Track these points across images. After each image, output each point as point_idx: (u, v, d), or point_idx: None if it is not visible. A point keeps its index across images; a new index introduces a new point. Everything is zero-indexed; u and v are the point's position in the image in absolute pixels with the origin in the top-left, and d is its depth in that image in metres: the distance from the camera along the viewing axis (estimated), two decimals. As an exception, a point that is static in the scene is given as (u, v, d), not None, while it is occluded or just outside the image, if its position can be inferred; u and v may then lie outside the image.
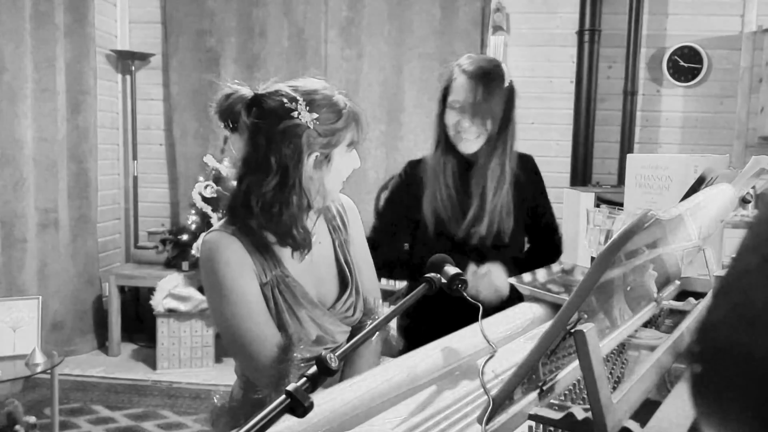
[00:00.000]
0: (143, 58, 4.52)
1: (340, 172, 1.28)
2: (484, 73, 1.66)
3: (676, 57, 4.26)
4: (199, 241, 3.89)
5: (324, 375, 0.81)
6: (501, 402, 0.81)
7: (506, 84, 1.69)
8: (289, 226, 1.23)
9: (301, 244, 1.26)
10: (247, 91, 1.25)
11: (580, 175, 4.22)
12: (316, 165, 1.23)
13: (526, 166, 1.83)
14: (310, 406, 0.77)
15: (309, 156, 1.21)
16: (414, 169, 1.81)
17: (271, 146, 1.20)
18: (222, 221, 1.28)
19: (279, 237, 1.25)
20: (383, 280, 2.09)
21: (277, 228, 1.23)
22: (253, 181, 1.22)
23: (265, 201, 1.21)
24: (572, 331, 0.79)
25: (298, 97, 1.21)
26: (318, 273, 1.33)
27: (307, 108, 1.20)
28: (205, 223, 3.98)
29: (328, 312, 1.31)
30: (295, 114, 1.20)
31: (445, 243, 1.70)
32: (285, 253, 1.28)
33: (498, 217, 1.72)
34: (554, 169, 4.14)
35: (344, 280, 1.37)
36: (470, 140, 1.69)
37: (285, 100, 1.21)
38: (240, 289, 1.20)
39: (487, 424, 0.79)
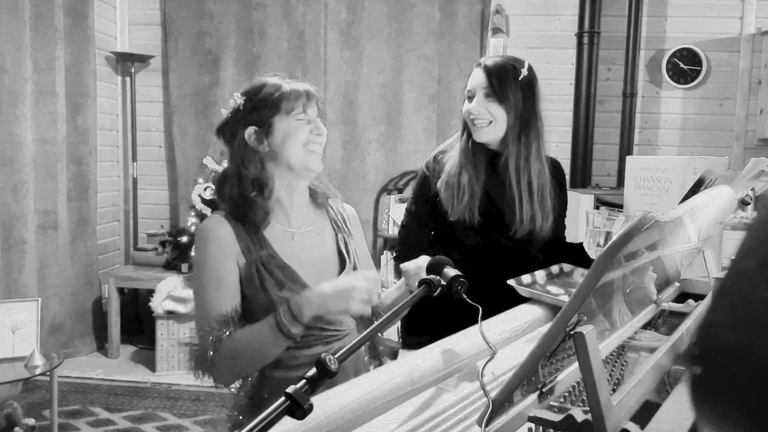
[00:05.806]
0: (143, 60, 4.52)
1: (292, 139, 1.34)
2: (495, 64, 1.70)
3: (675, 59, 4.26)
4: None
5: (324, 377, 0.81)
6: (501, 404, 0.81)
7: (521, 76, 1.69)
8: (243, 206, 1.34)
9: (254, 221, 1.34)
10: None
11: (580, 176, 4.22)
12: (257, 138, 1.34)
13: (556, 172, 1.82)
14: (310, 408, 0.77)
15: (244, 130, 1.34)
16: (438, 163, 1.79)
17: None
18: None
19: (242, 219, 1.34)
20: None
21: (236, 211, 1.34)
22: (223, 175, 1.40)
23: (223, 186, 1.37)
24: (572, 332, 0.79)
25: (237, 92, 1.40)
26: (318, 262, 1.40)
27: (242, 95, 1.37)
28: (204, 225, 3.97)
29: None
30: (232, 102, 1.38)
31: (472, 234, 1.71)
32: (278, 237, 1.37)
33: (527, 215, 1.71)
34: (554, 171, 4.14)
35: (343, 271, 1.43)
36: (481, 128, 1.70)
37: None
38: (215, 265, 1.31)
39: (486, 426, 0.79)
